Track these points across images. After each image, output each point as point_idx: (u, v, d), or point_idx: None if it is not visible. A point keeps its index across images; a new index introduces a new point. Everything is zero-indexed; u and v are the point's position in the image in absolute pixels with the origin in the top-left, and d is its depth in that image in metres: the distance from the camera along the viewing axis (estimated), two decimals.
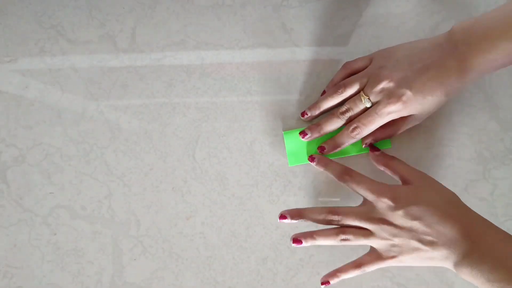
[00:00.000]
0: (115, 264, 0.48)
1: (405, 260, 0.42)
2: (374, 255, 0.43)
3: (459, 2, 0.50)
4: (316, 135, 0.47)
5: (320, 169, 0.47)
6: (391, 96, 0.42)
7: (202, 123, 0.50)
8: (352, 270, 0.43)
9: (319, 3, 0.51)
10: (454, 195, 0.42)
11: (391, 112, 0.43)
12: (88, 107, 0.50)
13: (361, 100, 0.44)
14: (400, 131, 0.46)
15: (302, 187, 0.49)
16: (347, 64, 0.48)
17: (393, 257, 0.42)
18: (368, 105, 0.44)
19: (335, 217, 0.43)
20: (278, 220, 0.45)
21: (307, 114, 0.48)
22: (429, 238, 0.40)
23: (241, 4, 0.51)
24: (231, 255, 0.48)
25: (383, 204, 0.41)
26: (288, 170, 0.49)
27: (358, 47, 0.50)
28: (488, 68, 0.40)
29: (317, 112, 0.48)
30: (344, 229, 0.43)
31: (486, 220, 0.40)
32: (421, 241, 0.40)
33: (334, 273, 0.44)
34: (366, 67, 0.46)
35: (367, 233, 0.42)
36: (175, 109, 0.50)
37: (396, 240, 0.41)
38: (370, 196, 0.42)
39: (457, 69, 0.41)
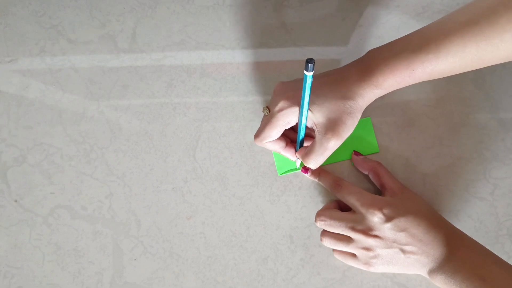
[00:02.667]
0: (116, 264, 0.48)
1: (380, 268, 0.44)
2: (349, 254, 0.45)
3: (459, 3, 0.50)
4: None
5: (314, 179, 0.48)
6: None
7: (202, 123, 0.50)
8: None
9: (319, 3, 0.51)
10: (430, 205, 0.44)
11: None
12: (89, 107, 0.50)
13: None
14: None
15: (303, 187, 0.49)
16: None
17: (368, 264, 0.44)
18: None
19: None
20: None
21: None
22: (410, 248, 0.41)
23: (242, 4, 0.51)
24: (231, 255, 0.48)
25: (373, 216, 0.42)
26: None
27: (358, 47, 0.50)
28: (389, 77, 0.39)
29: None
30: (326, 236, 0.45)
31: (460, 230, 0.42)
32: (402, 250, 0.42)
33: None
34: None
35: (348, 240, 0.44)
36: (175, 109, 0.50)
37: (378, 251, 0.42)
38: (360, 208, 0.43)
39: (358, 74, 0.40)
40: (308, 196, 0.49)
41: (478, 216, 0.48)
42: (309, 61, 0.37)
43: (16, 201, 0.49)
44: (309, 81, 0.38)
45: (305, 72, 0.38)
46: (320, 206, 0.48)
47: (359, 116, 0.41)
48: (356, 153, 0.48)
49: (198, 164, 0.49)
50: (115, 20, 0.51)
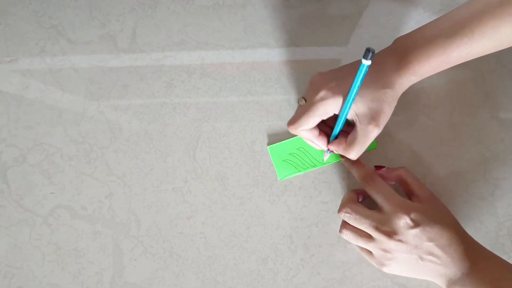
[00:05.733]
0: (116, 264, 0.48)
1: (394, 270, 0.43)
2: (366, 249, 0.45)
3: (459, 2, 0.50)
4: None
5: (348, 167, 0.48)
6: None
7: (202, 123, 0.50)
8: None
9: (319, 3, 0.51)
10: (455, 217, 0.43)
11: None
12: (89, 107, 0.50)
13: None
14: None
15: (303, 187, 0.49)
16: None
17: (383, 265, 0.43)
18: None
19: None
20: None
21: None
22: (430, 257, 0.41)
23: (242, 4, 0.51)
24: (231, 255, 0.48)
25: (400, 220, 0.41)
26: None
27: (358, 47, 0.50)
28: (425, 64, 0.40)
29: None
30: (347, 229, 0.44)
31: (479, 243, 0.42)
32: (421, 258, 0.41)
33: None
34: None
35: (369, 238, 0.43)
36: (175, 109, 0.50)
37: (396, 254, 0.42)
38: (387, 208, 0.42)
39: (395, 63, 0.41)
40: (308, 196, 0.49)
41: (478, 216, 0.48)
42: (371, 49, 0.36)
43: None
44: (364, 70, 0.37)
45: (363, 61, 0.36)
46: (320, 206, 0.48)
47: (395, 104, 0.42)
48: (378, 167, 0.47)
49: (198, 164, 0.49)
50: (115, 20, 0.51)
